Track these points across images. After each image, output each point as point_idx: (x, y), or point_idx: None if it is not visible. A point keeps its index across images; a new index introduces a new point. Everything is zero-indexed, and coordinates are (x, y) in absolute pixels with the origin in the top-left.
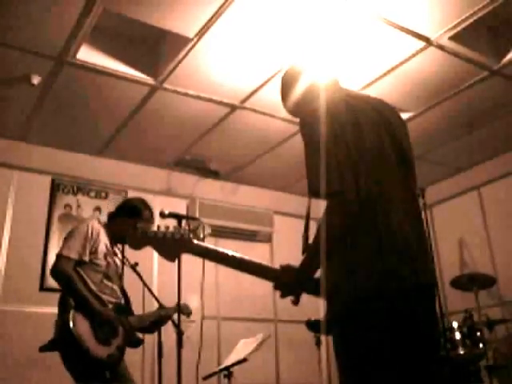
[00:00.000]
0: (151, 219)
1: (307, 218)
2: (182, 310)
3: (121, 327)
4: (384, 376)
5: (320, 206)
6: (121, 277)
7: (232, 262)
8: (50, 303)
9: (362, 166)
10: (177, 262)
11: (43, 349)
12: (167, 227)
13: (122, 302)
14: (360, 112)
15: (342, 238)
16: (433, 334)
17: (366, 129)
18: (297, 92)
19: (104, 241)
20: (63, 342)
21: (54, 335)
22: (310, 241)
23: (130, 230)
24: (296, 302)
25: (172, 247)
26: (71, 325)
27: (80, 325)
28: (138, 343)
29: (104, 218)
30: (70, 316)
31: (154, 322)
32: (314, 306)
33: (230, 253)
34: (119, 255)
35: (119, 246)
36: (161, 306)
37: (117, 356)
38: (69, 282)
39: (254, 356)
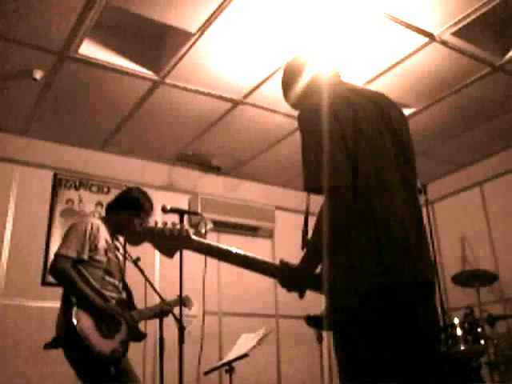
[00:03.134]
0: (151, 211)
1: (306, 214)
2: (184, 302)
3: (124, 322)
4: (383, 372)
5: (320, 202)
6: (122, 270)
7: (231, 257)
8: (51, 298)
9: (360, 161)
10: (178, 257)
11: (48, 346)
12: (165, 223)
13: (124, 296)
14: (359, 107)
15: (340, 234)
16: (432, 329)
17: (365, 124)
18: (298, 84)
19: (104, 236)
20: (67, 338)
21: (56, 332)
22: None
23: (130, 223)
24: (301, 296)
25: (170, 243)
26: (74, 321)
27: (83, 321)
28: (140, 337)
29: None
30: (73, 313)
31: (156, 316)
32: (316, 302)
33: (229, 248)
34: (121, 250)
35: (121, 240)
36: (163, 301)
37: (121, 350)
38: (68, 280)
39: (256, 351)
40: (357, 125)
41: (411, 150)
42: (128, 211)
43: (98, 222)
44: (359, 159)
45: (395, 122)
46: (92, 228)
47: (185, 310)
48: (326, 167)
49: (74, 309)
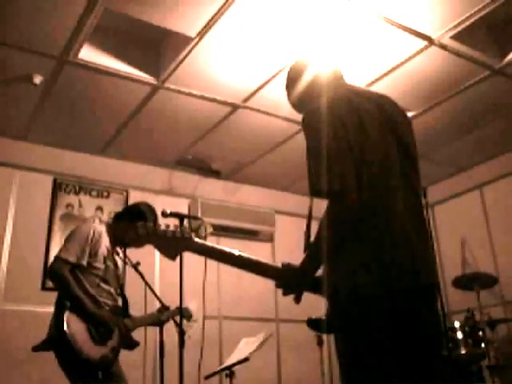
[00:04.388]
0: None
1: (309, 217)
2: (182, 313)
3: (116, 329)
4: (386, 375)
5: (322, 205)
6: (119, 278)
7: (233, 259)
8: (51, 302)
9: (364, 165)
10: (179, 261)
11: (36, 348)
12: (168, 225)
13: (119, 304)
14: (363, 109)
15: (343, 237)
16: (434, 333)
17: (370, 127)
18: (301, 87)
19: (105, 243)
20: (56, 341)
21: (47, 335)
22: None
23: (132, 228)
24: (298, 300)
25: (173, 245)
26: (65, 325)
27: (74, 325)
28: (133, 345)
29: (105, 217)
30: (65, 316)
31: (152, 325)
32: (316, 306)
33: (231, 251)
34: (121, 254)
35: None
36: (162, 306)
37: (110, 357)
38: (64, 283)
39: (256, 355)
40: (361, 128)
41: (415, 153)
42: (131, 223)
43: (100, 229)
44: (364, 163)
45: (399, 124)
46: (94, 234)
47: (184, 321)
48: (330, 171)
49: (67, 313)
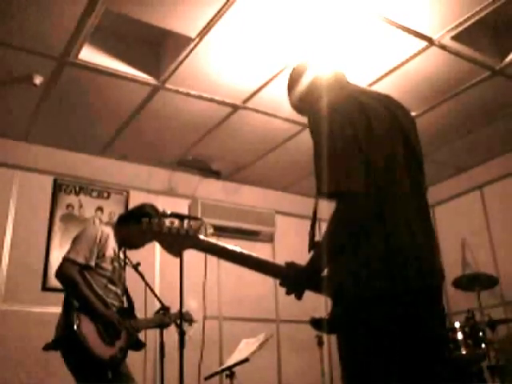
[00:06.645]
0: None
1: (314, 216)
2: (184, 317)
3: (124, 329)
4: (387, 377)
5: (325, 206)
6: (124, 280)
7: (236, 257)
8: (51, 303)
9: (372, 166)
10: (179, 261)
11: (47, 347)
12: (172, 222)
13: (125, 305)
14: (371, 110)
15: (349, 238)
16: (438, 335)
17: (378, 127)
18: (302, 89)
19: (112, 245)
20: (67, 341)
21: (56, 335)
22: (316, 238)
23: (135, 231)
24: (299, 298)
25: (177, 242)
26: (75, 325)
27: (84, 325)
28: (140, 346)
29: (105, 218)
30: (74, 316)
31: (155, 327)
32: (317, 306)
33: (235, 248)
34: (121, 255)
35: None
36: (163, 306)
37: (119, 357)
38: (73, 284)
39: (256, 356)
40: (368, 127)
41: (419, 152)
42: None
43: (108, 231)
44: (372, 164)
45: (405, 124)
46: (102, 235)
47: (185, 325)
48: (339, 172)
49: (75, 313)
